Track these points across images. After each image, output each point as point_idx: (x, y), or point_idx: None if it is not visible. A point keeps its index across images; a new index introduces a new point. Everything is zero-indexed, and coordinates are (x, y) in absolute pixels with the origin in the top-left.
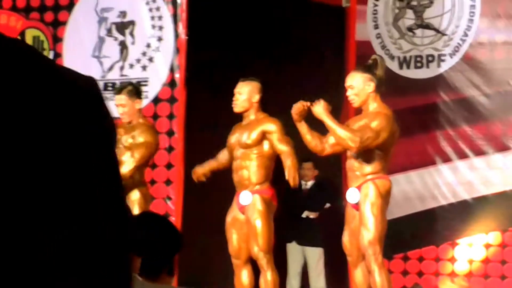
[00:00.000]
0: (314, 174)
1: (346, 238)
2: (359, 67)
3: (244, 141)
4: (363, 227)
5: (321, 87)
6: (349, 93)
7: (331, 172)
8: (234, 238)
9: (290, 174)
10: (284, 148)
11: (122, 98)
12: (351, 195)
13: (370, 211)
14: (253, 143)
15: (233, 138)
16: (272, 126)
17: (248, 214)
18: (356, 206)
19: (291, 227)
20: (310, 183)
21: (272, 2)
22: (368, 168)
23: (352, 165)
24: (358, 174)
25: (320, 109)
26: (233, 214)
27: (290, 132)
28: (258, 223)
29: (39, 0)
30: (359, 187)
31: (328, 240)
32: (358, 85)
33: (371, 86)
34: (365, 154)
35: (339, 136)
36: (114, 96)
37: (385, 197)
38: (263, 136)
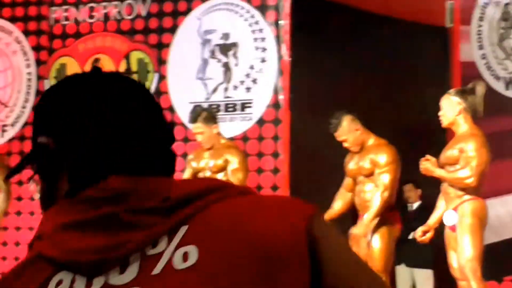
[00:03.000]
0: (418, 194)
1: (453, 261)
2: (453, 90)
3: (367, 168)
4: (460, 247)
5: (425, 108)
6: (440, 113)
7: (436, 190)
8: None
9: None
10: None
11: (199, 126)
12: (448, 217)
13: (467, 232)
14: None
15: (351, 165)
16: (382, 157)
17: (369, 235)
18: (454, 228)
19: (399, 249)
20: (416, 205)
21: (375, 24)
22: (463, 190)
23: (447, 187)
24: (453, 196)
25: (428, 165)
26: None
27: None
28: (377, 243)
29: (143, 22)
30: (455, 209)
31: (437, 262)
32: (445, 107)
33: (456, 109)
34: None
35: (455, 181)
36: (191, 124)
37: (482, 217)
38: None
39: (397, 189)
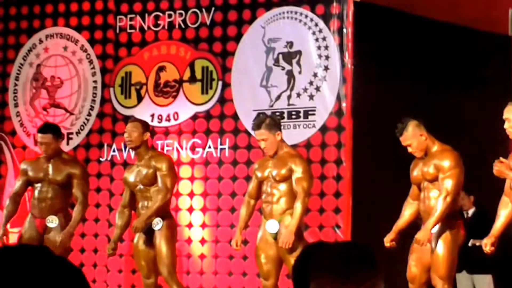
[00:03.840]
0: (471, 200)
1: None
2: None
3: (431, 173)
4: None
5: (488, 116)
6: (506, 125)
7: (488, 195)
8: (413, 264)
9: None
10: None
11: (262, 132)
12: None
13: None
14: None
15: (416, 171)
16: (446, 162)
17: (433, 242)
18: None
19: (459, 257)
20: (471, 211)
21: (437, 31)
22: None
23: None
24: None
25: (502, 168)
26: None
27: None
28: (441, 250)
29: (207, 31)
30: None
31: (497, 266)
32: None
33: None
34: None
35: None
36: (254, 131)
37: None
38: None
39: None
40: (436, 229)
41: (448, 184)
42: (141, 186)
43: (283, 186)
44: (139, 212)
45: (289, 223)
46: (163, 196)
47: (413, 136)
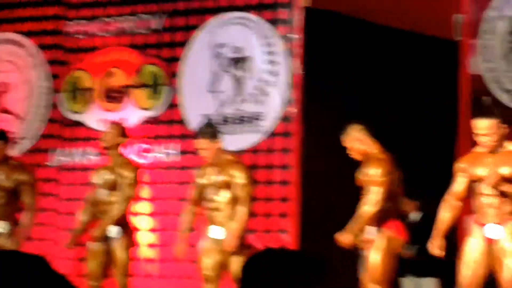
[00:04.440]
0: (415, 205)
1: (467, 272)
2: (484, 113)
3: (361, 179)
4: (509, 261)
5: (434, 120)
6: (484, 139)
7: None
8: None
9: None
10: None
11: (203, 141)
12: (493, 231)
13: None
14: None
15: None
16: (372, 171)
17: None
18: (491, 241)
19: (404, 261)
20: (414, 216)
21: (388, 38)
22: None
23: (492, 202)
24: (498, 212)
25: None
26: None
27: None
28: (374, 255)
29: (156, 36)
30: (501, 224)
31: (442, 269)
32: (493, 131)
33: (505, 127)
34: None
35: None
36: (196, 140)
37: None
38: None
39: (398, 202)
40: (374, 234)
41: (369, 192)
42: (104, 190)
43: (224, 193)
44: (100, 216)
45: (233, 228)
46: (121, 205)
47: (352, 140)
